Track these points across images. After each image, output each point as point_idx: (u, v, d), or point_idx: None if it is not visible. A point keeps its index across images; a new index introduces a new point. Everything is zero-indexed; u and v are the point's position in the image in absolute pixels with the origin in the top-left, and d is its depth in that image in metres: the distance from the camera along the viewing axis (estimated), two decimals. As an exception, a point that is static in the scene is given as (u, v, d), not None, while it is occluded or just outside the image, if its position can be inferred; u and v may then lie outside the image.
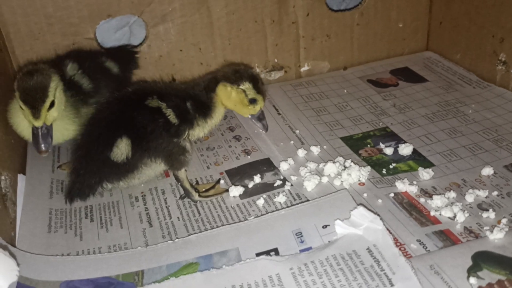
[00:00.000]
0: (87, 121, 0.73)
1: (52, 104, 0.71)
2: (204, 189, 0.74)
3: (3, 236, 0.60)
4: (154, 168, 0.72)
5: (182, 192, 0.75)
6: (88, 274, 0.60)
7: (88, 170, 0.70)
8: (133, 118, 0.69)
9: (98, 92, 0.81)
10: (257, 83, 0.72)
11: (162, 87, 0.73)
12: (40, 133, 0.71)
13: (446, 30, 1.08)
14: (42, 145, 0.71)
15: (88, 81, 0.80)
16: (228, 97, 0.72)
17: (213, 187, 0.75)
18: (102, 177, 0.71)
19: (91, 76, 0.81)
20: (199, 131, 0.73)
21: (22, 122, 0.74)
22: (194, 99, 0.72)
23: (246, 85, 0.71)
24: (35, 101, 0.69)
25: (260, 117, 0.75)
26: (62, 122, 0.75)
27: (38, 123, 0.70)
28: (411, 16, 1.10)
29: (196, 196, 0.73)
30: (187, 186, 0.73)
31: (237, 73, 0.71)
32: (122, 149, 0.68)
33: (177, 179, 0.73)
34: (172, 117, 0.70)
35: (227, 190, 0.74)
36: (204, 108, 0.72)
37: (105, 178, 0.71)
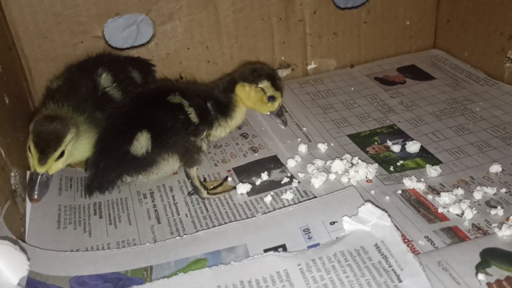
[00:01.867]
0: (107, 114, 0.73)
1: (61, 155, 0.69)
2: (212, 187, 0.75)
3: (13, 232, 0.61)
4: (172, 164, 0.72)
5: (190, 189, 0.75)
6: (97, 269, 0.61)
7: (108, 163, 0.70)
8: (154, 113, 0.69)
9: None
10: (275, 81, 0.73)
11: (184, 86, 0.73)
12: (38, 181, 0.68)
13: (453, 27, 1.07)
14: (36, 194, 0.68)
15: (120, 96, 0.78)
16: (247, 96, 0.73)
17: (220, 184, 0.75)
18: (122, 171, 0.71)
19: (124, 90, 0.79)
20: (220, 131, 0.74)
21: None
22: (215, 100, 0.73)
23: (265, 84, 0.72)
24: (47, 148, 0.67)
25: (279, 113, 0.76)
26: (89, 140, 0.73)
27: (40, 170, 0.68)
28: (418, 14, 1.09)
29: (204, 193, 0.73)
30: (197, 183, 0.73)
31: (254, 72, 0.73)
32: (142, 143, 0.69)
33: (188, 176, 0.74)
34: (193, 115, 0.70)
35: (234, 188, 0.74)
36: (225, 109, 0.73)
37: (125, 172, 0.71)
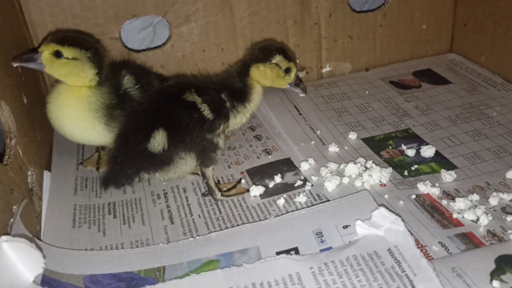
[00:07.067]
0: (127, 112, 0.73)
1: (58, 55, 0.70)
2: (225, 189, 0.75)
3: (29, 230, 0.62)
4: (189, 163, 0.72)
5: (203, 190, 0.76)
6: (111, 268, 0.61)
7: (126, 159, 0.70)
8: (169, 111, 0.69)
9: None
10: (286, 53, 0.73)
11: (200, 81, 0.74)
12: (30, 52, 0.71)
13: (470, 31, 1.06)
14: (20, 57, 0.71)
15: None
16: (264, 76, 0.73)
17: (234, 186, 0.75)
18: (139, 168, 0.70)
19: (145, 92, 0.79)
20: (240, 118, 0.74)
21: (60, 114, 0.73)
22: (229, 89, 0.73)
23: (277, 58, 0.72)
24: (56, 37, 0.70)
25: (297, 82, 0.75)
26: (94, 121, 0.74)
27: (40, 48, 0.71)
28: (435, 18, 1.09)
29: (218, 195, 0.73)
30: (212, 184, 0.73)
31: (264, 50, 0.73)
32: (158, 140, 0.68)
33: (204, 176, 0.74)
34: (206, 112, 0.70)
35: (248, 190, 0.74)
36: (241, 94, 0.73)
37: (142, 169, 0.71)
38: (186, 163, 0.71)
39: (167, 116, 0.69)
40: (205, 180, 0.74)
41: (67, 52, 0.70)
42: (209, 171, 0.73)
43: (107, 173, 0.72)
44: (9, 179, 0.62)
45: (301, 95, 0.78)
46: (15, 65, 0.72)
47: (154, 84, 0.82)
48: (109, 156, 0.74)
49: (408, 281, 0.54)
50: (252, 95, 0.74)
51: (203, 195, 0.75)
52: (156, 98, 0.71)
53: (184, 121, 0.69)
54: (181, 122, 0.69)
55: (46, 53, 0.70)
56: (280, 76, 0.73)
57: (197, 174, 0.79)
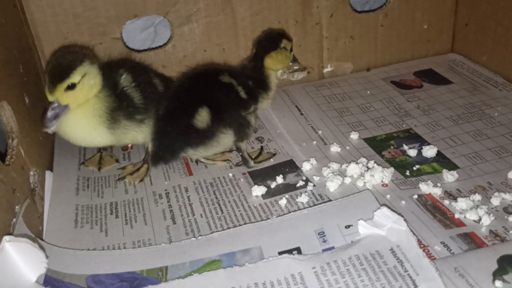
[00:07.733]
0: (169, 94, 0.78)
1: (72, 87, 0.69)
2: (253, 157, 0.81)
3: (32, 230, 0.62)
4: (229, 138, 0.77)
5: (204, 191, 0.76)
6: (113, 268, 0.61)
7: (172, 134, 0.74)
8: (210, 90, 0.75)
9: (147, 109, 0.78)
10: (286, 35, 0.82)
11: (228, 68, 0.80)
12: (49, 108, 0.69)
13: (471, 31, 1.06)
14: (46, 121, 0.69)
15: (140, 97, 0.78)
16: (277, 62, 0.80)
17: (260, 154, 0.82)
18: (186, 142, 0.74)
19: (143, 92, 0.78)
20: (265, 104, 0.82)
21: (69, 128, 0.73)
22: (252, 78, 0.79)
23: (284, 42, 0.80)
24: (54, 78, 0.69)
25: (295, 58, 0.84)
26: (99, 126, 0.74)
27: (50, 98, 0.69)
28: (436, 17, 1.09)
29: (251, 162, 0.80)
30: (246, 155, 0.80)
31: (270, 39, 0.81)
32: (203, 117, 0.73)
33: (239, 149, 0.80)
34: (242, 93, 0.77)
35: (274, 154, 0.82)
36: (262, 83, 0.80)
37: (188, 143, 0.74)
38: (226, 137, 0.76)
39: (208, 96, 0.75)
40: (240, 153, 0.81)
41: (75, 77, 0.69)
42: (243, 145, 0.80)
43: (155, 150, 0.75)
44: (11, 179, 0.62)
45: (295, 67, 0.85)
46: (50, 131, 0.72)
47: (153, 82, 0.82)
48: (153, 135, 0.76)
49: (411, 280, 0.54)
50: (271, 82, 0.81)
51: (237, 165, 0.81)
52: (196, 80, 0.77)
53: (223, 99, 0.75)
54: (221, 101, 0.75)
55: (61, 97, 0.69)
56: (288, 57, 0.81)
57: (228, 160, 0.83)
